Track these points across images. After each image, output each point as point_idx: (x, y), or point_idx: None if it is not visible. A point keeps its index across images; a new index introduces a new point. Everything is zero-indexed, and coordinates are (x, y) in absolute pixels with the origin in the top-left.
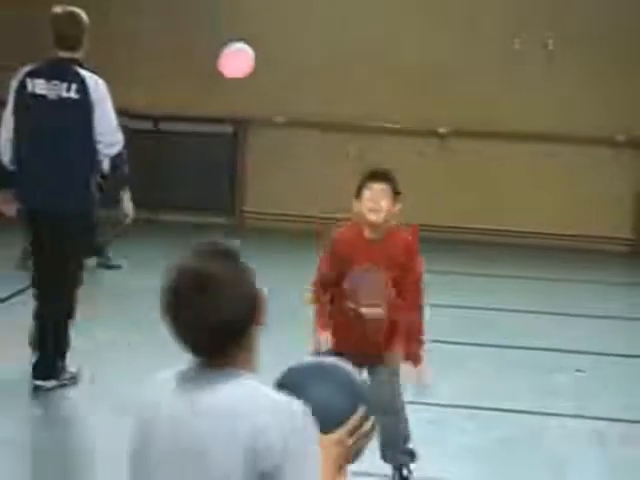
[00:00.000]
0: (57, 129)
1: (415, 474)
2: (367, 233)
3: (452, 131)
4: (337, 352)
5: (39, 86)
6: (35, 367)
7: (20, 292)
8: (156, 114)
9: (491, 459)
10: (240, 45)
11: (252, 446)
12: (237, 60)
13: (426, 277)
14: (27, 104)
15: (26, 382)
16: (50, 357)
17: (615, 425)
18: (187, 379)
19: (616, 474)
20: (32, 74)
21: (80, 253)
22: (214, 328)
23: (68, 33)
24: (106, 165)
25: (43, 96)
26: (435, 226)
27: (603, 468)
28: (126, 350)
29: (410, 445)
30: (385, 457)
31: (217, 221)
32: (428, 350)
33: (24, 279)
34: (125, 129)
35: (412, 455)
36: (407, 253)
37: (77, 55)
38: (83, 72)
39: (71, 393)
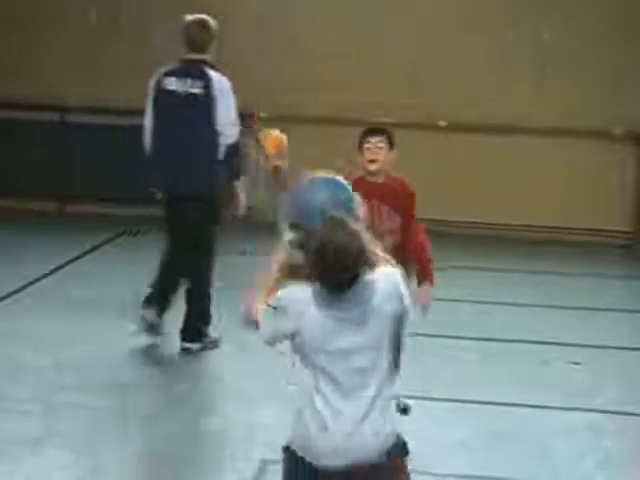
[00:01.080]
0: (184, 120)
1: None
2: (368, 178)
3: (448, 123)
4: None
5: (171, 83)
6: (182, 331)
7: None
8: None
9: (484, 452)
10: None
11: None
12: None
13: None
14: (161, 99)
15: None
16: (195, 323)
17: (610, 418)
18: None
19: (611, 467)
20: (167, 74)
21: (212, 228)
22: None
23: (198, 38)
24: (221, 154)
25: (173, 91)
26: (431, 219)
27: (598, 461)
28: None
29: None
30: None
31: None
32: (420, 342)
33: None
34: None
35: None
36: (405, 190)
37: (205, 56)
38: (210, 71)
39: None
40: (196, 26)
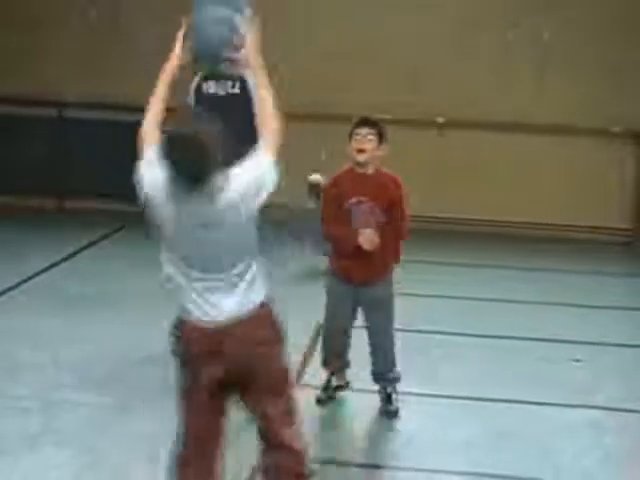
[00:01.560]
0: (228, 119)
1: (410, 465)
2: (357, 169)
3: (449, 122)
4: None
5: (211, 86)
6: None
7: None
8: None
9: (485, 450)
10: None
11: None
12: None
13: (423, 267)
14: (202, 102)
15: None
16: None
17: (611, 415)
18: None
19: (612, 464)
20: (205, 78)
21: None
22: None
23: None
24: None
25: (214, 94)
26: (432, 217)
27: (599, 458)
28: None
29: (397, 369)
30: (375, 378)
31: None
32: (423, 339)
33: None
34: None
35: (397, 379)
36: (396, 187)
37: (239, 59)
38: (243, 73)
39: None
40: None
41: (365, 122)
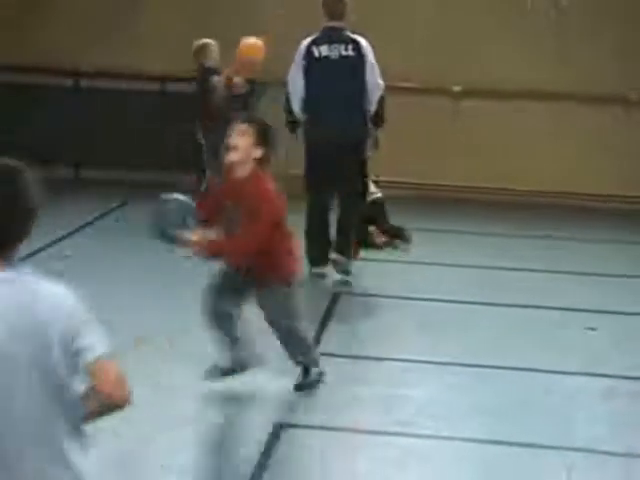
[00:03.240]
0: (341, 81)
1: (425, 433)
2: (233, 172)
3: (465, 90)
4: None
5: (323, 50)
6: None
7: None
8: None
9: (501, 417)
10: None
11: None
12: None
13: (438, 236)
14: (316, 65)
15: None
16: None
17: (624, 383)
18: None
19: (625, 431)
20: (316, 42)
21: (364, 168)
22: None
23: (336, 8)
24: (372, 107)
25: (327, 57)
26: (447, 185)
27: (612, 425)
28: None
29: (312, 354)
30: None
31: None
32: (437, 308)
33: None
34: None
35: (314, 361)
36: (256, 197)
37: (343, 23)
38: (355, 35)
39: None
40: None
41: (246, 120)
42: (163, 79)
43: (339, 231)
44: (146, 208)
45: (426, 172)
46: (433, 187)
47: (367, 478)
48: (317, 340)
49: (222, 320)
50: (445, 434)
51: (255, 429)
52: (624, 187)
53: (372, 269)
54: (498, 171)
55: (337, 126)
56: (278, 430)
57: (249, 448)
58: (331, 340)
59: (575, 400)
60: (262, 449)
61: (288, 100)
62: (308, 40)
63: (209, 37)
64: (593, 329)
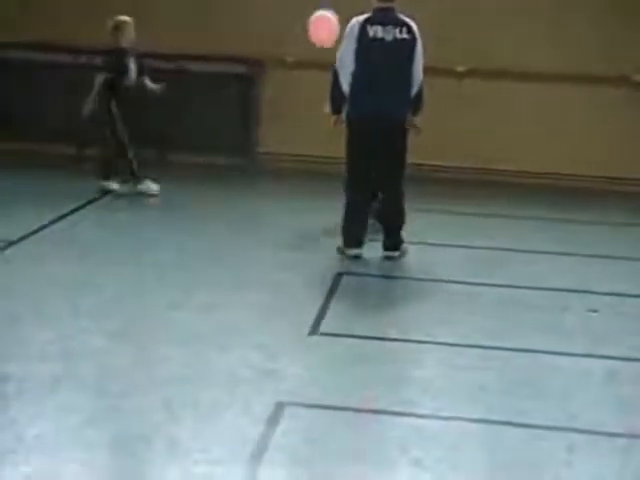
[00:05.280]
0: (393, 63)
1: (428, 413)
2: None
3: (469, 70)
4: None
5: (378, 31)
6: (385, 242)
7: None
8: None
9: (503, 398)
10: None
11: None
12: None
13: (441, 217)
14: (370, 46)
15: None
16: (396, 235)
17: (627, 365)
18: None
19: (628, 413)
20: (370, 22)
21: (406, 150)
22: None
23: None
24: (414, 92)
25: (382, 39)
26: (452, 166)
27: (615, 407)
28: None
29: None
30: None
31: (232, 162)
32: (442, 289)
33: None
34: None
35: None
36: None
37: (394, 5)
38: (405, 18)
39: None
40: None
41: None
42: None
43: (389, 229)
44: None
45: (426, 151)
46: (437, 168)
47: (370, 458)
48: (320, 319)
49: None
50: (448, 414)
51: (258, 407)
52: (625, 170)
53: (376, 250)
54: (500, 152)
55: (386, 110)
56: (281, 408)
57: (251, 426)
58: (335, 319)
59: (577, 382)
60: (264, 428)
61: (336, 78)
62: (360, 19)
63: None
64: (595, 311)
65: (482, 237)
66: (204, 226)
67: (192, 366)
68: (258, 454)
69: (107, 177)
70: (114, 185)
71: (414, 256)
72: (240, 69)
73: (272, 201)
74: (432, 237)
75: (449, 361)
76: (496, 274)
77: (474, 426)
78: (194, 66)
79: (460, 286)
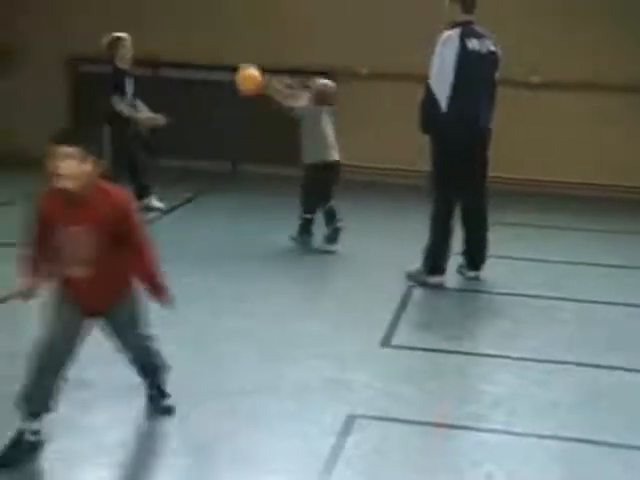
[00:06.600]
0: (486, 77)
1: (497, 428)
2: (68, 196)
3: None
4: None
5: (474, 44)
6: (471, 259)
7: None
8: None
9: (575, 414)
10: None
11: None
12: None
13: (515, 230)
14: (468, 59)
15: None
16: (480, 256)
17: None
18: None
19: None
20: (466, 35)
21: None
22: None
23: (473, 1)
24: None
25: (478, 51)
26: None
27: None
28: None
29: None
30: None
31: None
32: (513, 302)
33: None
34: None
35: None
36: (120, 210)
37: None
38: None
39: None
40: None
41: (60, 140)
42: None
43: (480, 246)
44: None
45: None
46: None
47: (441, 472)
48: (392, 331)
49: None
50: (520, 429)
51: (328, 418)
52: None
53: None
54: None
55: (481, 124)
56: (352, 421)
57: (321, 437)
58: (406, 331)
59: None
60: (334, 440)
61: (431, 95)
62: (456, 32)
63: None
64: None
65: (553, 250)
66: (273, 236)
67: (262, 375)
68: (328, 466)
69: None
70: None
71: (487, 269)
72: None
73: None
74: (504, 250)
75: (521, 375)
76: (570, 288)
77: (546, 442)
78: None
79: (533, 300)
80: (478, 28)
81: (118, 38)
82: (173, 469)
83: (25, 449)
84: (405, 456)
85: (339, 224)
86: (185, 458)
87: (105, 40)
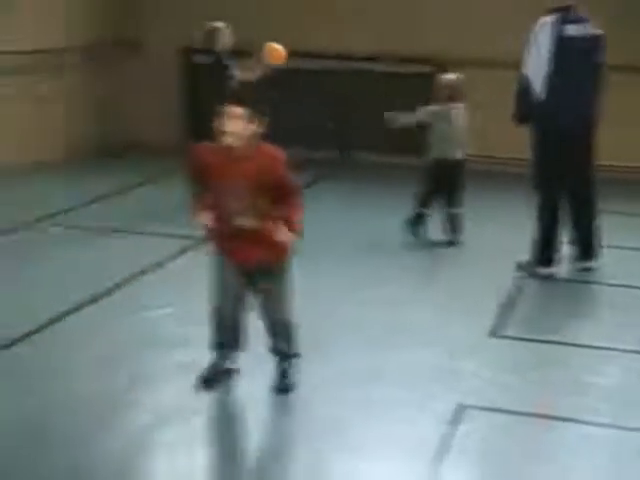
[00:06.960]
0: (588, 62)
1: (607, 421)
2: (231, 152)
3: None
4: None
5: (572, 29)
6: (586, 251)
7: None
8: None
9: None
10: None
11: None
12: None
13: (611, 218)
14: (566, 45)
15: None
16: (590, 246)
17: None
18: None
19: None
20: (564, 21)
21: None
22: None
23: None
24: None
25: (576, 37)
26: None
27: None
28: None
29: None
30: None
31: (409, 162)
32: (624, 293)
33: None
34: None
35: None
36: (275, 167)
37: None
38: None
39: None
40: None
41: (233, 100)
42: None
43: (589, 237)
44: None
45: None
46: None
47: (542, 462)
48: (501, 321)
49: None
50: (628, 424)
51: (438, 406)
52: None
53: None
54: None
55: (582, 111)
56: (461, 410)
57: (430, 426)
58: (516, 322)
59: None
60: (444, 430)
61: (525, 85)
62: (552, 19)
63: None
64: None
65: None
66: (383, 221)
67: (370, 363)
68: (439, 455)
69: None
70: None
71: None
72: (423, 69)
73: None
74: (612, 239)
75: (630, 368)
76: None
77: None
78: (377, 67)
79: (631, 290)
80: (579, 12)
81: (216, 28)
82: (283, 457)
83: (221, 372)
84: (513, 447)
85: (457, 237)
86: (294, 446)
87: (204, 30)
